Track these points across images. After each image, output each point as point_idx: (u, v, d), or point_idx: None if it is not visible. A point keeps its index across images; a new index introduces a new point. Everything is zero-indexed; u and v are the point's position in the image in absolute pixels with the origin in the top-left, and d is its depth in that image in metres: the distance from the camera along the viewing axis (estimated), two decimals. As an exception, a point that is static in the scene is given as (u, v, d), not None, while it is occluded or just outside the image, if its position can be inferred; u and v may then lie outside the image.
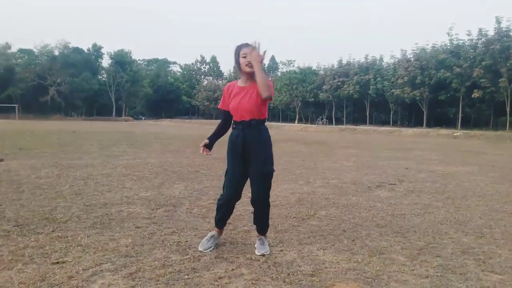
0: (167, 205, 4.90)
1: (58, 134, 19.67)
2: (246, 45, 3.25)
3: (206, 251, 3.28)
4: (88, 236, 3.58)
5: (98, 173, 7.34)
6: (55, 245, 3.32)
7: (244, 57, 3.20)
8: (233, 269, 2.92)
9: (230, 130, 3.48)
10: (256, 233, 3.54)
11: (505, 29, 31.86)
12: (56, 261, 2.98)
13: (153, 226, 3.97)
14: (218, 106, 3.53)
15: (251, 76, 3.24)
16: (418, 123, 42.63)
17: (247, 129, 3.27)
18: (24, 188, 5.70)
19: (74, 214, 4.34)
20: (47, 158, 9.44)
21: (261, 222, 3.46)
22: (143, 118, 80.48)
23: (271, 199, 5.38)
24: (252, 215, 3.57)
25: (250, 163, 3.29)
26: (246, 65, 3.19)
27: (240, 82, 3.35)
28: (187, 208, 4.79)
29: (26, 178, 6.53)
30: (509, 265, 3.14)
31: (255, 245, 3.39)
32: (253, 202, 3.40)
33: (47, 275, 2.71)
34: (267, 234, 3.55)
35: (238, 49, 3.27)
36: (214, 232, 3.51)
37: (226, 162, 3.40)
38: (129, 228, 3.90)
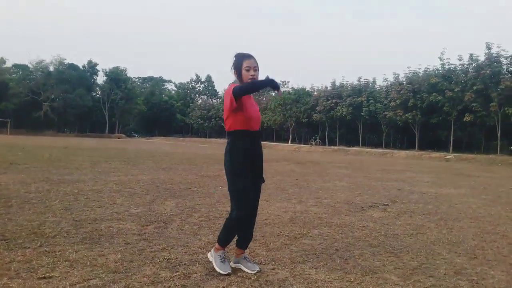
0: (158, 222, 4.84)
1: (50, 150, 19.50)
2: (249, 56, 3.22)
3: (226, 272, 3.13)
4: (76, 252, 3.51)
5: (88, 188, 7.26)
6: (42, 260, 3.25)
7: (248, 70, 3.17)
8: (224, 287, 2.87)
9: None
10: (239, 251, 3.36)
11: (495, 54, 32.48)
12: (43, 276, 2.91)
13: (143, 243, 3.91)
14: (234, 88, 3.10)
15: None
16: (410, 146, 42.89)
17: (258, 140, 3.29)
18: (12, 203, 5.60)
19: (63, 229, 4.27)
20: (38, 173, 9.33)
21: (250, 237, 3.40)
22: (136, 135, 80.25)
23: (264, 217, 5.36)
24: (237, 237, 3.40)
25: (255, 175, 3.27)
26: (250, 79, 3.16)
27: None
28: (178, 225, 4.73)
29: (15, 193, 6.44)
30: (502, 286, 3.12)
31: (244, 264, 3.29)
32: (252, 216, 3.32)
33: (33, 290, 2.64)
34: (258, 252, 3.49)
35: (241, 59, 3.20)
36: (222, 252, 3.26)
37: (236, 176, 3.17)
38: (119, 244, 3.83)
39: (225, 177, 3.30)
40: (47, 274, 2.94)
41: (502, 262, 3.76)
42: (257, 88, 3.31)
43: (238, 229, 3.28)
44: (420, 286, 3.05)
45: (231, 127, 3.20)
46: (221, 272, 3.12)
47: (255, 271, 3.19)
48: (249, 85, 3.14)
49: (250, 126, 3.20)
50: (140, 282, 2.88)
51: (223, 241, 3.27)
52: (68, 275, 2.94)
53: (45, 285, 2.75)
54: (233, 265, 3.32)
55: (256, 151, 3.27)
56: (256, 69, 3.21)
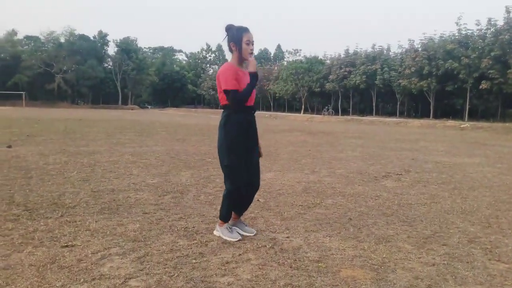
0: (174, 192, 4.94)
1: (65, 122, 19.77)
2: (248, 30, 3.19)
3: (237, 239, 3.26)
4: (96, 221, 3.62)
5: (105, 160, 7.39)
6: (64, 229, 3.36)
7: (247, 44, 3.15)
8: (240, 254, 2.95)
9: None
10: (234, 215, 3.43)
11: (515, 19, 31.41)
12: (66, 244, 3.02)
13: (160, 212, 4.00)
14: (236, 88, 3.08)
15: (242, 63, 3.26)
16: (425, 114, 42.33)
17: (253, 116, 3.31)
18: (32, 174, 5.75)
19: (82, 200, 4.38)
20: (55, 145, 9.51)
21: (247, 206, 3.51)
22: (149, 107, 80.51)
23: (277, 187, 5.42)
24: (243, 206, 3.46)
25: (250, 150, 3.28)
26: (249, 53, 3.16)
27: (238, 65, 3.21)
28: (194, 195, 4.82)
29: (34, 164, 6.59)
30: (516, 255, 3.14)
31: (241, 227, 3.44)
32: (254, 189, 3.36)
33: (57, 258, 2.75)
34: (272, 221, 3.56)
35: (240, 33, 3.16)
36: (227, 225, 3.35)
37: (229, 151, 3.17)
38: (137, 213, 3.93)
39: (218, 152, 3.29)
40: (70, 243, 3.05)
41: (516, 231, 3.77)
42: (251, 91, 3.19)
43: (234, 202, 3.32)
44: (434, 254, 3.09)
45: (224, 101, 3.20)
46: (233, 239, 3.23)
47: (253, 234, 3.39)
48: (246, 93, 3.13)
49: (249, 100, 3.20)
50: (159, 250, 2.97)
51: (224, 217, 3.34)
52: (89, 244, 3.05)
53: (68, 253, 2.86)
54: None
55: (251, 126, 3.26)
56: (253, 43, 3.21)
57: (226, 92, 3.10)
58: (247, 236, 3.37)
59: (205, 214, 3.99)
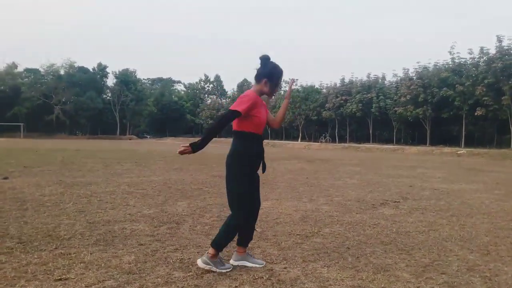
0: (170, 223, 4.90)
1: (62, 152, 19.75)
2: (283, 72, 3.37)
3: (230, 268, 3.25)
4: (91, 253, 3.58)
5: (101, 190, 7.35)
6: (58, 262, 3.31)
7: (279, 85, 3.37)
8: (236, 286, 2.90)
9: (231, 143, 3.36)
10: (242, 249, 3.41)
11: (507, 47, 32.05)
12: (59, 278, 2.97)
13: (156, 243, 3.96)
14: (239, 109, 3.10)
15: (261, 95, 3.36)
16: (421, 141, 42.55)
17: (262, 143, 3.39)
18: (28, 206, 5.71)
19: (77, 231, 4.34)
20: (51, 176, 9.47)
21: (252, 235, 3.50)
22: (148, 136, 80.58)
23: (275, 216, 5.39)
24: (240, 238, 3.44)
25: (257, 178, 3.39)
26: (276, 92, 3.40)
27: (258, 94, 3.31)
28: (190, 226, 4.77)
29: (30, 196, 6.55)
30: (515, 283, 3.10)
31: (250, 260, 3.37)
32: (257, 211, 3.42)
33: (50, 292, 2.70)
34: (269, 252, 3.53)
35: (278, 73, 3.33)
36: (220, 256, 3.28)
37: (241, 180, 3.21)
38: (132, 245, 3.89)
39: (226, 180, 3.32)
40: (63, 276, 3.00)
41: (515, 258, 3.73)
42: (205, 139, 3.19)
43: (237, 230, 3.32)
44: (433, 283, 3.05)
45: (241, 128, 3.22)
46: (227, 270, 3.20)
47: (262, 265, 3.33)
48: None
49: (259, 130, 3.28)
50: (154, 282, 2.92)
51: (220, 245, 3.26)
52: (83, 277, 3.00)
53: (61, 286, 2.81)
54: (236, 263, 3.36)
55: (262, 154, 3.37)
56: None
57: (230, 110, 3.13)
58: (257, 267, 3.30)
59: (201, 245, 3.94)
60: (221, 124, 3.14)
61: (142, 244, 3.91)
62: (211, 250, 3.23)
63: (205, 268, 3.19)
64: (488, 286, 3.02)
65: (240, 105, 3.12)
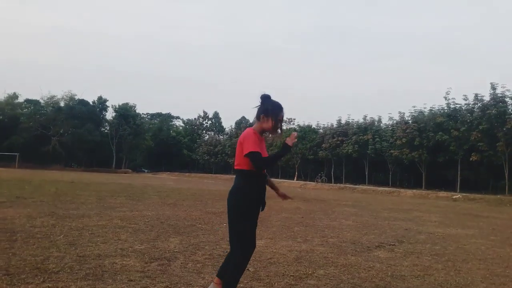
0: (161, 259, 4.81)
1: (57, 184, 19.59)
2: (282, 108, 3.36)
3: None
4: (79, 288, 3.49)
5: (93, 224, 7.25)
6: (45, 296, 3.23)
7: (280, 122, 3.33)
8: (226, 327, 2.82)
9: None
10: (219, 281, 3.31)
11: (500, 95, 32.72)
12: (45, 312, 2.88)
13: (146, 280, 3.88)
14: (256, 150, 3.16)
15: (262, 134, 3.38)
16: (417, 184, 42.52)
17: (264, 180, 3.40)
18: (17, 237, 5.61)
19: (66, 265, 4.25)
20: (44, 207, 9.36)
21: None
22: (146, 171, 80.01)
23: (268, 256, 5.31)
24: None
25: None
26: (278, 130, 3.35)
27: (258, 132, 3.33)
28: (181, 263, 4.69)
29: (21, 227, 6.45)
30: (512, 332, 3.03)
31: None
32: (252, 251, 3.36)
33: (34, 327, 2.62)
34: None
35: (278, 110, 3.32)
36: None
37: (245, 217, 3.22)
38: (122, 281, 3.80)
39: (229, 218, 3.29)
40: (49, 311, 2.92)
41: (512, 307, 3.67)
42: (279, 159, 3.51)
43: (243, 269, 3.29)
44: (428, 330, 2.98)
45: (241, 166, 3.24)
46: None
47: None
48: (272, 159, 3.43)
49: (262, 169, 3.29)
50: (142, 320, 2.84)
51: (234, 285, 3.22)
52: (70, 312, 2.92)
53: (46, 322, 2.73)
54: None
55: (263, 192, 3.37)
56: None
57: (252, 154, 3.13)
58: None
59: (191, 283, 3.86)
60: (268, 164, 3.40)
61: (132, 280, 3.83)
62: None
63: None
64: (485, 335, 2.95)
65: (256, 146, 3.18)
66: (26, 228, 6.39)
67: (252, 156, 3.13)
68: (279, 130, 3.36)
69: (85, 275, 3.90)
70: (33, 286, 3.47)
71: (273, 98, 3.40)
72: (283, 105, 3.36)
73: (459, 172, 37.37)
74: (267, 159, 3.27)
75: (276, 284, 4.03)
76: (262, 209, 3.42)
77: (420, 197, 29.14)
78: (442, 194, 30.73)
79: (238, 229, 3.20)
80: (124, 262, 4.55)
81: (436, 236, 8.12)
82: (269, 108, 3.29)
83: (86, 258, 4.63)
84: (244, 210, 3.21)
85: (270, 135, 3.41)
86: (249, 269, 4.49)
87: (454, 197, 28.23)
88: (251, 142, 3.17)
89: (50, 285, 3.52)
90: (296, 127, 58.26)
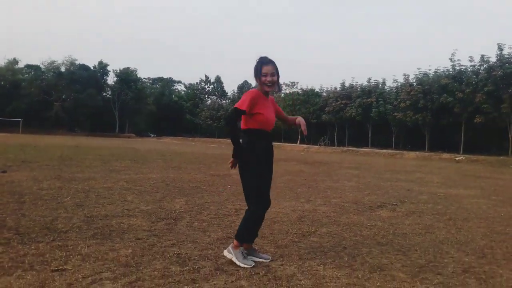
0: (167, 219, 4.90)
1: (61, 149, 19.74)
2: (267, 62, 3.36)
3: (252, 265, 3.26)
4: (88, 246, 3.58)
5: (99, 186, 7.35)
6: (55, 254, 3.32)
7: (265, 75, 3.33)
8: (232, 281, 2.91)
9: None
10: (247, 245, 3.44)
11: (507, 55, 32.09)
12: (56, 268, 2.98)
13: (153, 238, 3.97)
14: (241, 107, 3.25)
15: (267, 92, 3.43)
16: (420, 147, 42.55)
17: (271, 140, 3.51)
18: (25, 199, 5.71)
19: (75, 225, 4.35)
20: (50, 170, 9.47)
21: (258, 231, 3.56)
22: (152, 135, 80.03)
23: (272, 215, 5.40)
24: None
25: (268, 171, 3.46)
26: (267, 84, 3.35)
27: (261, 93, 3.42)
28: (187, 222, 4.78)
29: (28, 189, 6.55)
30: (510, 285, 3.12)
31: (256, 255, 3.44)
32: (267, 208, 3.46)
33: (47, 282, 2.71)
34: (266, 249, 3.56)
35: (260, 65, 3.35)
36: (242, 248, 3.37)
37: (256, 174, 3.32)
38: (130, 239, 3.90)
39: (240, 175, 3.43)
40: (60, 267, 3.01)
41: (511, 262, 3.75)
42: (233, 143, 3.39)
43: (258, 223, 3.43)
44: (428, 283, 3.06)
45: (247, 126, 3.36)
46: (246, 266, 3.23)
47: (269, 260, 3.40)
48: (231, 136, 3.34)
49: (266, 126, 3.39)
50: (151, 275, 2.93)
51: (241, 238, 3.37)
52: (80, 268, 3.01)
53: (58, 277, 2.82)
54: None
55: (270, 149, 3.50)
56: (273, 74, 3.36)
57: (232, 108, 3.29)
58: (264, 262, 3.37)
59: (198, 241, 3.95)
60: (231, 125, 3.32)
61: (139, 239, 3.92)
62: (234, 241, 3.36)
63: (228, 257, 3.32)
64: (483, 287, 3.04)
65: (242, 104, 3.27)
66: (34, 190, 6.49)
67: (230, 110, 3.30)
68: (266, 86, 3.35)
69: (93, 234, 4.00)
70: (44, 245, 3.56)
71: (277, 60, 3.44)
72: (267, 59, 3.38)
73: (462, 134, 37.30)
74: (229, 119, 3.31)
75: (280, 241, 4.12)
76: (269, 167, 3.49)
77: (423, 159, 29.25)
78: (445, 156, 30.81)
79: (251, 185, 3.35)
80: (131, 222, 4.64)
81: (438, 196, 8.21)
82: (254, 69, 3.38)
83: (94, 218, 4.72)
84: (256, 166, 3.34)
85: (275, 93, 3.46)
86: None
87: (457, 158, 28.33)
88: (243, 99, 3.30)
89: (60, 244, 3.61)
90: (299, 90, 57.77)
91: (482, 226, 5.36)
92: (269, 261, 3.40)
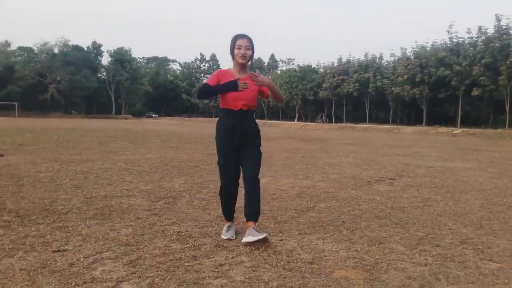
0: (167, 198, 4.92)
1: (58, 131, 19.67)
2: (242, 36, 3.34)
3: (232, 237, 3.36)
4: (88, 227, 3.60)
5: (98, 167, 7.35)
6: (56, 235, 3.34)
7: (239, 48, 3.29)
8: (233, 257, 2.94)
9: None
10: (247, 224, 3.34)
11: (505, 27, 31.86)
12: (57, 249, 2.99)
13: (153, 217, 3.99)
14: (207, 81, 3.37)
15: (244, 67, 3.39)
16: (417, 121, 42.63)
17: (245, 118, 3.36)
18: (24, 182, 5.71)
19: (74, 206, 4.36)
20: (47, 153, 9.45)
21: (257, 206, 3.34)
22: (154, 115, 79.11)
23: (271, 192, 5.43)
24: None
25: (245, 147, 3.37)
26: (240, 56, 3.30)
27: (234, 72, 3.40)
28: (187, 201, 4.80)
29: (26, 172, 6.54)
30: (507, 254, 3.16)
31: (252, 234, 3.19)
32: (251, 181, 3.35)
33: (48, 262, 2.73)
34: (266, 225, 3.58)
35: (234, 39, 3.34)
36: (228, 223, 3.53)
37: (218, 151, 3.42)
38: (130, 219, 3.91)
39: None
40: (61, 248, 3.03)
41: (508, 232, 3.79)
42: (278, 91, 3.47)
43: (225, 200, 3.51)
44: (426, 255, 3.10)
45: (220, 105, 3.46)
46: (223, 237, 3.38)
47: (258, 238, 3.13)
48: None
49: (234, 105, 3.31)
50: (152, 253, 2.96)
51: (223, 214, 3.60)
52: (81, 248, 3.03)
53: (59, 257, 2.83)
54: (245, 240, 3.24)
55: (241, 128, 3.31)
56: (248, 48, 3.31)
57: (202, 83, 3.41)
58: (255, 240, 3.15)
59: (198, 219, 3.97)
60: (202, 98, 3.52)
61: (139, 218, 3.94)
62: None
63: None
64: (481, 257, 3.08)
65: (210, 79, 3.37)
66: (32, 173, 6.48)
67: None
68: (240, 59, 3.28)
69: (93, 215, 4.01)
70: (44, 226, 3.57)
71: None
72: (242, 34, 3.35)
73: (460, 108, 37.32)
74: (202, 89, 3.34)
75: (279, 217, 4.15)
76: (242, 146, 3.38)
77: (420, 133, 29.32)
78: (442, 129, 30.90)
79: (217, 161, 3.45)
80: (130, 202, 4.66)
81: (435, 170, 8.25)
82: (231, 42, 3.37)
83: (93, 199, 4.73)
84: (217, 145, 3.41)
85: (249, 65, 3.41)
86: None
87: (454, 132, 28.42)
88: (211, 75, 3.40)
89: (60, 225, 3.62)
90: (296, 67, 57.34)
91: (479, 198, 5.41)
92: (269, 237, 3.38)
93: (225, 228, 3.48)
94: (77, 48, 71.59)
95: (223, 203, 3.55)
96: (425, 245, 3.34)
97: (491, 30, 32.82)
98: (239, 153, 3.38)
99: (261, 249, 3.12)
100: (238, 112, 3.32)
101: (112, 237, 3.32)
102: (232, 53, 3.35)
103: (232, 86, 3.27)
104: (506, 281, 2.64)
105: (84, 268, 2.66)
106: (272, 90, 3.39)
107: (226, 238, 3.35)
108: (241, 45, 3.28)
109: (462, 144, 17.65)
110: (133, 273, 2.59)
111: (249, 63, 3.39)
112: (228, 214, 3.55)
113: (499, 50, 31.08)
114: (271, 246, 3.19)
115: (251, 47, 3.31)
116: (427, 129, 32.33)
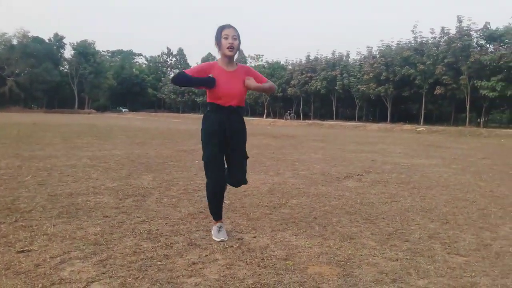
0: (135, 195, 4.80)
1: (18, 126, 18.87)
2: (229, 26, 3.20)
3: (225, 239, 3.25)
4: (54, 225, 3.46)
5: (62, 164, 7.09)
6: (19, 234, 3.18)
7: (226, 38, 3.15)
8: (206, 255, 2.90)
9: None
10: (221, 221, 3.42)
11: (466, 28, 33.05)
12: (21, 249, 2.85)
13: (122, 215, 3.88)
14: (186, 71, 3.18)
15: (231, 59, 3.27)
16: (382, 119, 43.67)
17: (233, 115, 3.26)
18: (-18, 179, 5.43)
19: (38, 204, 4.18)
20: (7, 149, 9.05)
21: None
22: (124, 110, 76.66)
23: (242, 189, 5.39)
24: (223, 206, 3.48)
25: (232, 148, 3.30)
26: (228, 48, 3.16)
27: (222, 64, 3.26)
28: (156, 198, 4.70)
29: (-15, 169, 6.23)
30: (473, 248, 3.27)
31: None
32: (237, 184, 3.46)
33: (12, 264, 2.59)
34: (238, 222, 3.55)
35: (220, 29, 3.18)
36: (218, 223, 3.36)
37: (203, 146, 3.25)
38: (97, 217, 3.79)
39: None
40: (26, 248, 2.89)
41: (472, 226, 3.93)
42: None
43: (213, 195, 3.34)
44: (397, 250, 3.16)
45: (207, 99, 3.31)
46: (215, 239, 3.25)
47: (218, 239, 3.25)
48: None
49: (222, 101, 3.20)
50: (122, 253, 2.87)
51: (211, 213, 3.41)
52: (47, 248, 2.90)
53: (24, 258, 2.70)
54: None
55: (229, 126, 3.24)
56: (235, 37, 3.18)
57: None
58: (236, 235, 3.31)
59: (169, 217, 3.89)
60: (177, 84, 3.25)
61: (107, 216, 3.82)
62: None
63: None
64: (448, 251, 3.17)
65: (191, 69, 3.24)
66: (-9, 170, 6.18)
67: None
68: (228, 50, 3.17)
69: (58, 213, 3.86)
70: (6, 226, 3.40)
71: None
72: (228, 24, 3.22)
73: (423, 106, 38.47)
74: (177, 77, 3.17)
75: (251, 214, 4.13)
76: (244, 157, 3.40)
77: (385, 130, 30.06)
78: (407, 127, 31.79)
79: (202, 157, 3.28)
80: (97, 199, 4.51)
81: (401, 166, 8.47)
82: (215, 36, 3.22)
83: (58, 197, 4.56)
84: (202, 139, 3.28)
85: (236, 56, 3.29)
86: (225, 201, 4.55)
87: (417, 129, 29.28)
88: (194, 66, 3.31)
89: (23, 224, 3.46)
90: (264, 63, 57.45)
91: (444, 194, 5.58)
92: (242, 234, 3.39)
93: (215, 230, 3.32)
94: (37, 40, 68.80)
95: (210, 200, 3.36)
96: (395, 240, 3.41)
97: (453, 31, 34.01)
98: (225, 149, 3.27)
99: (234, 246, 3.09)
100: (227, 109, 3.22)
101: (80, 236, 3.20)
102: (218, 44, 3.19)
103: (209, 82, 3.15)
104: (473, 274, 2.73)
105: (51, 269, 2.55)
106: (260, 91, 3.38)
107: (219, 240, 3.21)
108: (228, 34, 3.14)
109: (426, 141, 18.22)
110: (104, 273, 2.50)
111: (236, 54, 3.27)
112: (217, 211, 3.35)
113: (460, 50, 32.22)
114: (244, 243, 3.17)
115: (237, 37, 3.19)
116: (392, 126, 33.19)
